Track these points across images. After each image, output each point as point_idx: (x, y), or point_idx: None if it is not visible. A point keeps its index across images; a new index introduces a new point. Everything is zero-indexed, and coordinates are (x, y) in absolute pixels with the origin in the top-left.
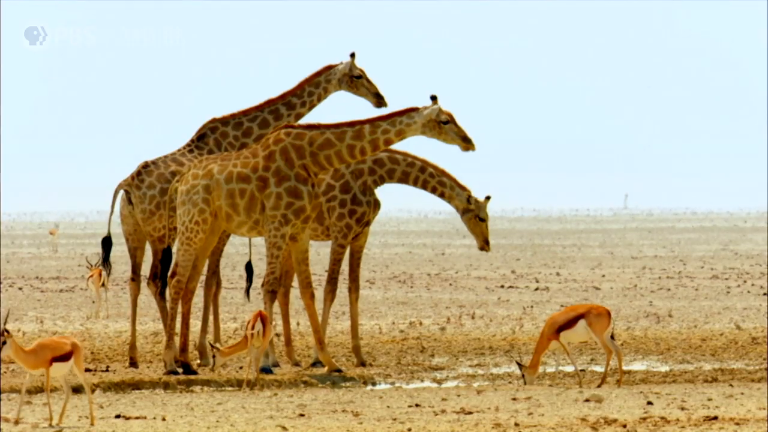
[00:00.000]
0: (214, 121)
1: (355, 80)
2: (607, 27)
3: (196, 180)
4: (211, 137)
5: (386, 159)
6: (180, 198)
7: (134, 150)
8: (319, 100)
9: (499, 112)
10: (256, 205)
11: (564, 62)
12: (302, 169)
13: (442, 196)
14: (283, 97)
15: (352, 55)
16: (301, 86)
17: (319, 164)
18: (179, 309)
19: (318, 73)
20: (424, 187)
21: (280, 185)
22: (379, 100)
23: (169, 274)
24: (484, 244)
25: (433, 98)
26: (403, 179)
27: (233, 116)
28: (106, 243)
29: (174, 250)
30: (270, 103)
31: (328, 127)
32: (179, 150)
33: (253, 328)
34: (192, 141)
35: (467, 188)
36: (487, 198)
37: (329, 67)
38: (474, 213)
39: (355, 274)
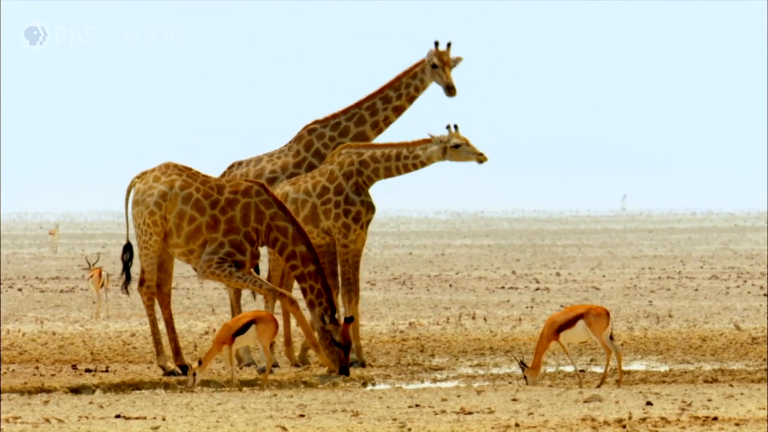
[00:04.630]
0: (315, 122)
1: (433, 70)
2: (607, 27)
3: (156, 183)
4: (305, 139)
5: (369, 159)
6: (135, 197)
7: (134, 150)
8: (417, 91)
9: (499, 113)
10: (198, 238)
11: (563, 62)
12: (254, 232)
13: (423, 165)
14: (381, 90)
15: (436, 44)
16: (398, 78)
17: (267, 238)
18: (159, 315)
19: (416, 65)
20: (406, 170)
21: (227, 235)
22: (449, 91)
23: (138, 281)
24: (479, 157)
25: (448, 127)
26: (387, 174)
27: (334, 116)
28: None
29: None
30: (368, 98)
31: (292, 220)
32: (272, 151)
33: (238, 332)
34: (290, 142)
35: (432, 137)
36: (449, 127)
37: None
38: (449, 147)
39: (355, 277)
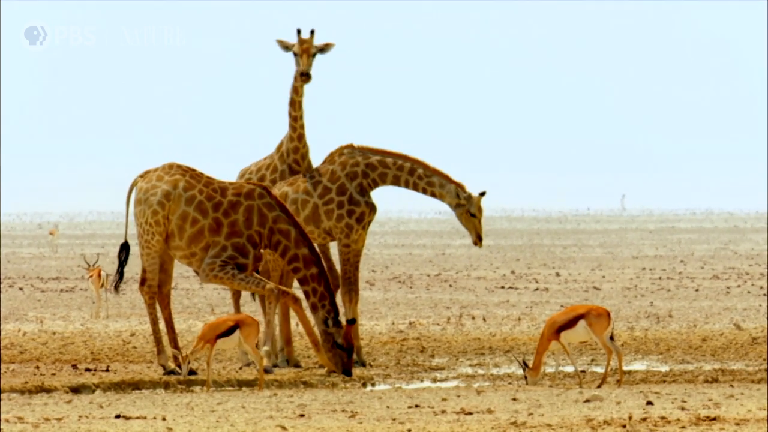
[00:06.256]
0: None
1: (295, 58)
2: (607, 27)
3: (160, 182)
4: (281, 143)
5: (377, 163)
6: (137, 195)
7: (134, 150)
8: (297, 81)
9: (499, 112)
10: (201, 240)
11: (563, 62)
12: (257, 234)
13: (433, 195)
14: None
15: (298, 32)
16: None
17: (270, 241)
18: (160, 315)
19: None
20: (414, 188)
21: (229, 238)
22: (301, 77)
23: (139, 280)
24: (477, 240)
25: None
26: (395, 182)
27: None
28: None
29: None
30: None
31: (294, 223)
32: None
33: (222, 334)
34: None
35: (461, 183)
36: (481, 194)
37: None
38: (465, 208)
39: (355, 276)
